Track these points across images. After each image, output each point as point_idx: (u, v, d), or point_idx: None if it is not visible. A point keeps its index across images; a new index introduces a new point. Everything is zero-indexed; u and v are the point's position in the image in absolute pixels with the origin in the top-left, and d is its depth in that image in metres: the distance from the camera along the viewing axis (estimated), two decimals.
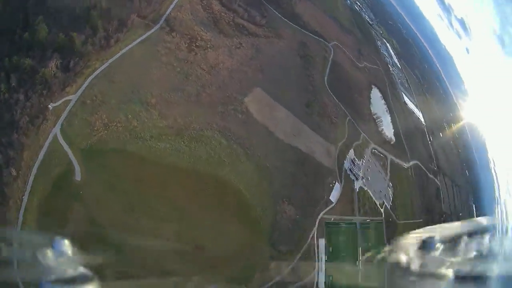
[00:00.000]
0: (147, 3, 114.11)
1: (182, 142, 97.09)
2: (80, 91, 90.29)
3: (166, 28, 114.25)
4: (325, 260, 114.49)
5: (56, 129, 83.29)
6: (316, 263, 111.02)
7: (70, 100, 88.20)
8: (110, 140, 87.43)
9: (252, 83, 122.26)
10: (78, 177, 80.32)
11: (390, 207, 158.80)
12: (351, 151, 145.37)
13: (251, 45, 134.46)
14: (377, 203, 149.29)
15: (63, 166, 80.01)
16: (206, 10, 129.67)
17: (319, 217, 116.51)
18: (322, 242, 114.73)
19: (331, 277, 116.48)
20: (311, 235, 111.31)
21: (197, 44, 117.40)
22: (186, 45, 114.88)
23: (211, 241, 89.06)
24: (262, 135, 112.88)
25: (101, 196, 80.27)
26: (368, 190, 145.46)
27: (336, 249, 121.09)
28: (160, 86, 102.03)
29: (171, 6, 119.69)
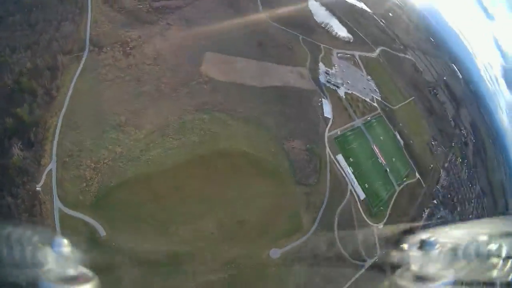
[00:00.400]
0: (64, 38, 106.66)
1: (171, 139, 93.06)
2: (54, 156, 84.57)
3: (95, 49, 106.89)
4: (352, 172, 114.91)
5: (56, 204, 78.20)
6: (346, 178, 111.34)
7: (51, 170, 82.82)
8: (108, 179, 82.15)
9: (199, 52, 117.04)
10: (102, 232, 75.97)
11: (381, 98, 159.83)
12: (320, 65, 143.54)
13: (179, 19, 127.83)
14: (367, 99, 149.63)
15: (84, 232, 74.80)
16: (120, 12, 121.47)
17: (326, 136, 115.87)
18: (340, 157, 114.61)
19: (366, 185, 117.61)
20: (327, 156, 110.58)
21: (130, 46, 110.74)
22: (121, 52, 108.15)
23: (248, 210, 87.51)
24: (235, 91, 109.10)
25: (133, 233, 76.08)
26: (354, 92, 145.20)
27: (355, 157, 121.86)
28: (120, 102, 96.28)
29: (88, 27, 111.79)
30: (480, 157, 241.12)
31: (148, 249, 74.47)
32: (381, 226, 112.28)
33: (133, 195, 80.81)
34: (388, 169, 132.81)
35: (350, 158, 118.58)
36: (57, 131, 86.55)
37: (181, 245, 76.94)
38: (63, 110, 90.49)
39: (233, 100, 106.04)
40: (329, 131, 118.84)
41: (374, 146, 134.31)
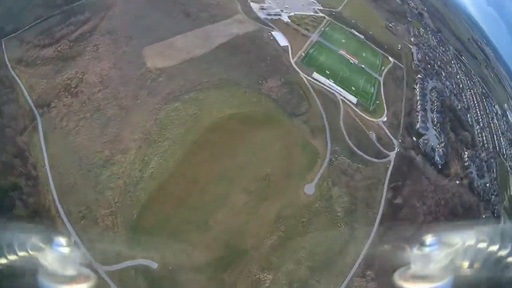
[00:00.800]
0: (13, 120, 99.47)
1: (159, 143, 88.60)
2: (70, 229, 79.37)
3: (44, 109, 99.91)
4: (334, 82, 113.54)
5: (100, 269, 73.83)
6: (332, 90, 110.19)
7: (74, 240, 77.62)
8: (129, 214, 77.39)
9: (137, 51, 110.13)
10: (154, 265, 72.46)
11: (323, 6, 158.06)
12: (252, 4, 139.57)
13: (102, 36, 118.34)
14: (311, 13, 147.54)
15: (138, 276, 69.96)
16: (46, 64, 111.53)
17: (293, 63, 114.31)
18: (316, 75, 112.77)
19: (352, 88, 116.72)
20: (305, 80, 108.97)
21: (73, 86, 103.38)
22: (69, 97, 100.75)
23: (265, 164, 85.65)
24: (190, 68, 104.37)
25: (180, 248, 72.86)
26: (296, 13, 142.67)
27: (329, 68, 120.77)
28: (95, 139, 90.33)
29: (27, 96, 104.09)
30: (440, 20, 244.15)
31: (202, 252, 71.86)
32: (385, 118, 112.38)
33: (158, 213, 76.85)
34: (363, 66, 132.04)
35: (326, 71, 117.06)
36: (58, 205, 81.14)
37: (227, 231, 74.73)
38: (50, 181, 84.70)
39: (193, 76, 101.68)
40: (293, 57, 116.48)
41: (341, 51, 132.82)
